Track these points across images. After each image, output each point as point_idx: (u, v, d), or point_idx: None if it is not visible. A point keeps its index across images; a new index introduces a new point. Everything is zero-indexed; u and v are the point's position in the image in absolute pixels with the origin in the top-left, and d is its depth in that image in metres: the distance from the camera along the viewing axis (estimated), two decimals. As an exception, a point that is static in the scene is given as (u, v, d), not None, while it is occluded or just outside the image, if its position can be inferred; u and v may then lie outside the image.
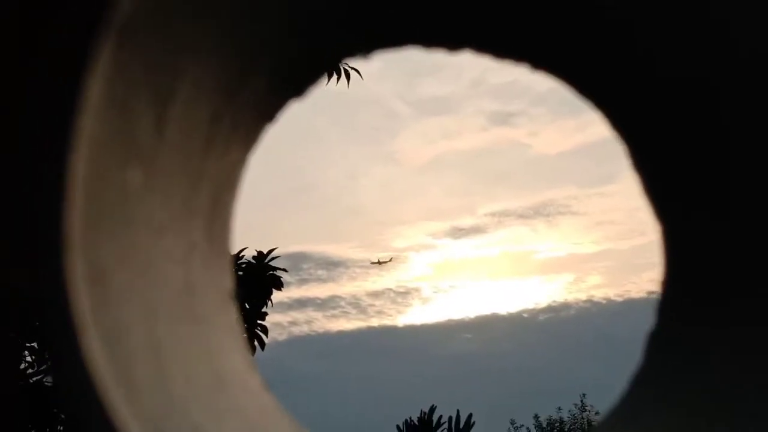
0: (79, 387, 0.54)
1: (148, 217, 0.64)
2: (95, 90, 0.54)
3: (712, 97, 0.70)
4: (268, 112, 0.78)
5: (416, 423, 6.11)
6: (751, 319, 0.69)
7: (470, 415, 6.01)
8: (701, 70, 0.69)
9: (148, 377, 0.60)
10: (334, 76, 5.00)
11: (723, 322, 0.72)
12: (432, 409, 6.11)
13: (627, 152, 0.79)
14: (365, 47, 0.78)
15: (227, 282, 0.79)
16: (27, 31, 0.56)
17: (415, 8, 0.74)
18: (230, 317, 0.79)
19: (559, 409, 18.90)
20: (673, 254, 0.78)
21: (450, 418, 6.05)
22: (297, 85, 0.78)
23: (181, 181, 0.69)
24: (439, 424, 6.07)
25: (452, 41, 0.77)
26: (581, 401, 18.65)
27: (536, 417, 18.86)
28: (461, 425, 5.97)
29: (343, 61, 0.80)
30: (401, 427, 6.16)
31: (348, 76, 5.05)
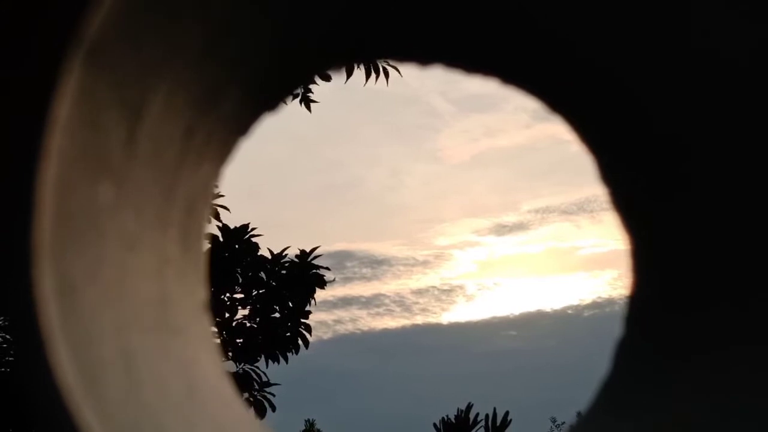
0: (47, 397, 0.56)
1: (121, 231, 0.66)
2: (64, 109, 0.56)
3: (680, 112, 0.70)
4: (241, 126, 0.80)
5: (453, 421, 6.10)
6: (717, 332, 0.69)
7: (507, 413, 6.00)
8: (667, 86, 0.69)
9: (118, 388, 0.62)
10: (372, 75, 4.90)
11: (689, 334, 0.72)
12: (469, 407, 6.10)
13: (595, 165, 0.79)
14: (338, 63, 0.79)
15: (202, 293, 0.81)
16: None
17: (387, 27, 0.74)
18: (204, 328, 0.80)
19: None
20: (641, 267, 0.78)
21: (486, 416, 6.04)
22: (270, 99, 0.80)
23: (154, 195, 0.71)
24: (476, 422, 6.06)
25: (423, 57, 0.78)
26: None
27: (579, 414, 18.67)
28: (498, 423, 5.95)
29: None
30: (438, 426, 6.16)
31: (387, 75, 4.94)
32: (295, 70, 0.79)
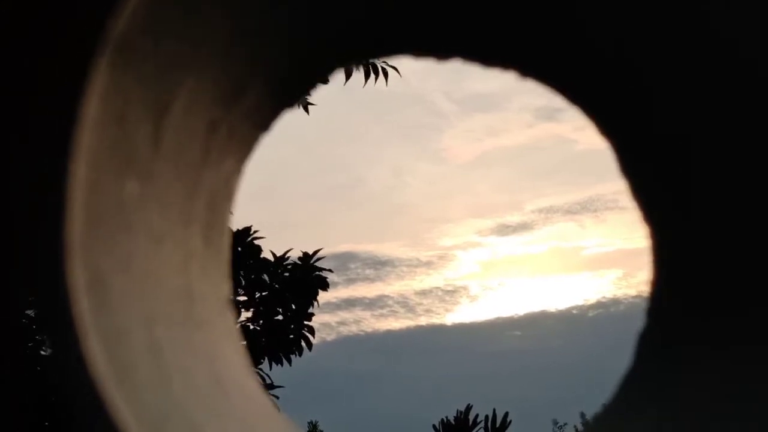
0: (80, 389, 0.56)
1: (147, 226, 0.67)
2: (92, 105, 0.57)
3: (699, 108, 0.70)
4: (263, 122, 0.81)
5: (452, 422, 6.10)
6: (736, 330, 0.69)
7: (506, 414, 5.99)
8: (686, 79, 0.70)
9: (148, 379, 0.63)
10: (372, 76, 4.88)
11: (711, 325, 0.72)
12: (468, 409, 6.10)
13: (615, 157, 0.80)
14: (357, 58, 0.80)
15: (225, 288, 0.81)
16: (27, 50, 0.59)
17: (406, 22, 0.75)
18: (229, 322, 0.81)
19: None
20: (660, 256, 0.78)
21: (486, 417, 6.03)
22: (291, 95, 0.81)
23: (179, 190, 0.72)
24: (475, 423, 6.06)
25: (441, 50, 0.79)
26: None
27: (582, 415, 18.65)
28: (497, 424, 5.95)
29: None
30: (437, 427, 6.16)
31: (386, 75, 4.92)
32: (316, 66, 0.80)
